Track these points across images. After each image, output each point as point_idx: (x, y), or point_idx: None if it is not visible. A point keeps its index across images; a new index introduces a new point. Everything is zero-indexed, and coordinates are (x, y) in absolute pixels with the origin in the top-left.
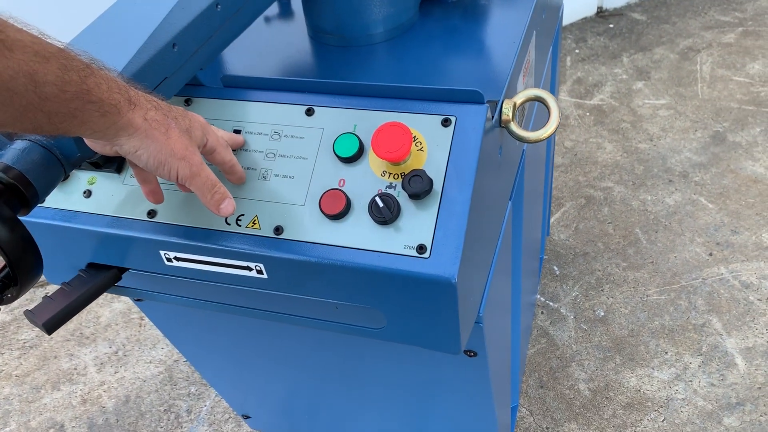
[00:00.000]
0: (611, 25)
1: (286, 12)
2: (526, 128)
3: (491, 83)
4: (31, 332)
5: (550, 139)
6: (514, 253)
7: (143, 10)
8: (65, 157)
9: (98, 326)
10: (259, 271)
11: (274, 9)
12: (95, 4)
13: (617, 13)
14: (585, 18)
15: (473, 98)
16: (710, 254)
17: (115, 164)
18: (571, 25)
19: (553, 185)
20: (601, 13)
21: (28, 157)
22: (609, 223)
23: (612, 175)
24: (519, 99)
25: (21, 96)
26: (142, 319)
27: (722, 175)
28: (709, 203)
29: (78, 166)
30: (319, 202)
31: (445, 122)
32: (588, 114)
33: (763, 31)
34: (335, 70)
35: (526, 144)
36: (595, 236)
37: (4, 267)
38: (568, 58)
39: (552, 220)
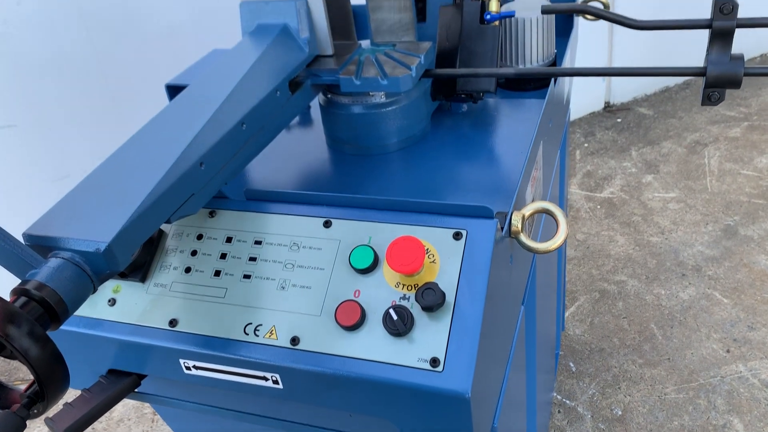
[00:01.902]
0: (619, 120)
1: (305, 121)
2: (536, 235)
3: (501, 194)
4: (45, 428)
5: None
6: (528, 354)
7: (174, 131)
8: (95, 273)
9: (111, 421)
10: (275, 381)
11: (295, 118)
12: None
13: (624, 107)
14: (593, 113)
15: (483, 213)
16: (727, 351)
17: (140, 274)
18: (580, 119)
19: (566, 279)
20: (608, 108)
21: (61, 275)
22: (624, 317)
23: (625, 269)
24: (527, 211)
25: None
26: (155, 415)
27: (736, 270)
28: (724, 298)
29: (106, 280)
30: (335, 314)
31: (457, 236)
32: (599, 207)
33: None
34: (352, 179)
35: None
36: (610, 331)
37: (33, 383)
38: (578, 152)
39: (567, 314)
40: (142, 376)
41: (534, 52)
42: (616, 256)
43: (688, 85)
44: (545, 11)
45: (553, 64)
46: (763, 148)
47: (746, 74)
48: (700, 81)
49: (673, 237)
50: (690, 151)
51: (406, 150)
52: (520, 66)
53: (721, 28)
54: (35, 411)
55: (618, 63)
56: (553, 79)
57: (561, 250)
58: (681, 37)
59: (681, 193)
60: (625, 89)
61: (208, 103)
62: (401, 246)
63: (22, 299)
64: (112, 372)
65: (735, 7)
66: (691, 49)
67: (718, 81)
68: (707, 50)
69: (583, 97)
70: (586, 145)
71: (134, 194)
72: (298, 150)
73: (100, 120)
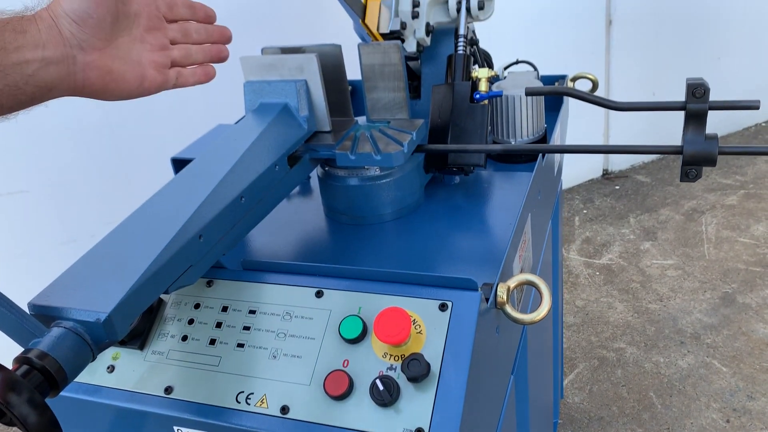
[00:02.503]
0: (617, 187)
1: (305, 191)
2: (527, 303)
3: (488, 266)
4: None
5: (555, 304)
6: (519, 423)
7: (176, 205)
8: (95, 342)
9: None
10: None
11: (294, 189)
12: None
13: (622, 175)
14: (592, 180)
15: (467, 285)
16: (727, 421)
17: (139, 341)
18: (579, 186)
19: (565, 346)
20: (606, 175)
21: (62, 344)
22: (623, 385)
23: (624, 336)
24: (513, 283)
25: None
26: None
27: (734, 338)
28: (723, 366)
29: (105, 349)
30: (324, 383)
31: (442, 307)
32: (598, 273)
33: (764, 193)
34: (346, 248)
35: None
36: (609, 399)
37: None
38: (577, 218)
39: (566, 382)
40: None
41: (524, 128)
42: (615, 323)
43: None
44: (529, 93)
45: (543, 138)
46: (760, 216)
47: (721, 153)
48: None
49: (671, 304)
50: (687, 218)
51: (399, 220)
52: (511, 140)
53: (694, 110)
54: None
55: (616, 128)
56: (541, 157)
57: (557, 317)
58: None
59: (679, 260)
60: (622, 157)
61: (209, 178)
62: (388, 317)
63: (24, 368)
64: None
65: (706, 92)
66: None
67: (694, 159)
68: (683, 130)
69: (581, 165)
70: (585, 211)
71: (134, 266)
72: (297, 219)
73: (110, 187)
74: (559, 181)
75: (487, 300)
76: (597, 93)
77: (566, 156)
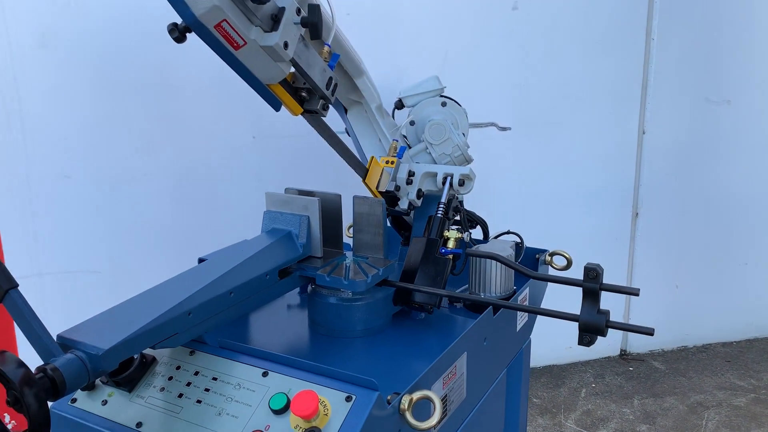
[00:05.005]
0: (631, 368)
1: (304, 305)
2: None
3: (405, 381)
4: None
5: None
6: None
7: (178, 287)
8: (92, 369)
9: None
10: None
11: (296, 299)
12: None
13: (639, 358)
14: (608, 357)
15: (370, 385)
16: None
17: (129, 386)
18: (594, 361)
19: None
20: (624, 356)
21: (70, 365)
22: None
23: None
24: (415, 396)
25: None
26: None
27: None
28: None
29: (99, 377)
30: None
31: (348, 398)
32: None
33: None
34: (312, 352)
35: None
36: None
37: (26, 430)
38: (584, 390)
39: None
40: None
41: (492, 285)
42: None
43: (706, 348)
44: (468, 254)
45: (508, 298)
46: (763, 422)
47: (608, 326)
48: (716, 346)
49: None
50: (691, 410)
51: (364, 339)
52: (481, 294)
53: (588, 288)
54: None
55: (636, 310)
56: (491, 308)
57: None
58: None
59: None
60: (642, 341)
61: (210, 273)
62: (303, 397)
63: (40, 374)
64: None
65: (599, 275)
66: None
67: (587, 328)
68: (581, 303)
69: (600, 342)
70: (593, 385)
71: (133, 323)
72: (284, 323)
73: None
74: (523, 338)
75: (388, 403)
76: (618, 281)
77: None
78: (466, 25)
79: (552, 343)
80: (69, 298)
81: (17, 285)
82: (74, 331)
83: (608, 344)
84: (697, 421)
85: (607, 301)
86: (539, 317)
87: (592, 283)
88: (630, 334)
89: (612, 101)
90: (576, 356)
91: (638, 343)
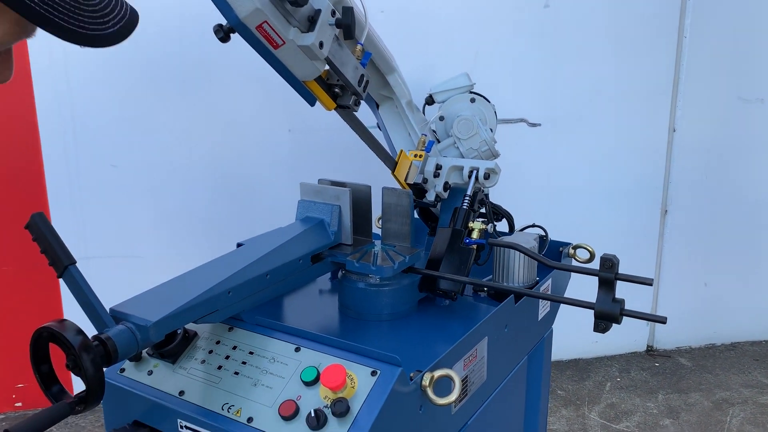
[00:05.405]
0: (657, 364)
1: (335, 290)
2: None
3: (428, 361)
4: None
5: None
6: None
7: (220, 268)
8: (142, 340)
9: None
10: None
11: (327, 285)
12: None
13: (666, 354)
14: (635, 352)
15: (394, 361)
16: None
17: (173, 358)
18: (620, 356)
19: None
20: (650, 352)
21: (121, 335)
22: None
23: None
24: (437, 373)
25: None
26: None
27: None
28: None
29: (146, 348)
30: (279, 407)
31: (373, 372)
32: None
33: None
34: (341, 332)
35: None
36: None
37: (81, 393)
38: (609, 384)
39: None
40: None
41: (516, 275)
42: None
43: (734, 346)
44: (490, 243)
45: (531, 287)
46: None
47: (622, 314)
48: (745, 345)
49: None
50: (716, 406)
51: (392, 321)
52: (504, 284)
53: (604, 277)
54: (79, 409)
55: (664, 305)
56: (513, 296)
57: None
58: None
59: None
60: (669, 338)
61: (249, 256)
62: (332, 371)
63: (96, 342)
64: (136, 423)
65: (614, 265)
66: None
67: (602, 315)
68: (597, 291)
69: (627, 337)
70: (618, 379)
71: (178, 299)
72: (316, 304)
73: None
74: (545, 328)
75: (411, 379)
76: (646, 274)
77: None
78: (498, 22)
79: (578, 336)
80: (113, 282)
81: (75, 261)
82: (125, 305)
83: (634, 340)
84: (722, 417)
85: (635, 299)
86: (565, 313)
87: (608, 273)
88: (657, 330)
89: (642, 99)
90: (602, 351)
91: (665, 340)
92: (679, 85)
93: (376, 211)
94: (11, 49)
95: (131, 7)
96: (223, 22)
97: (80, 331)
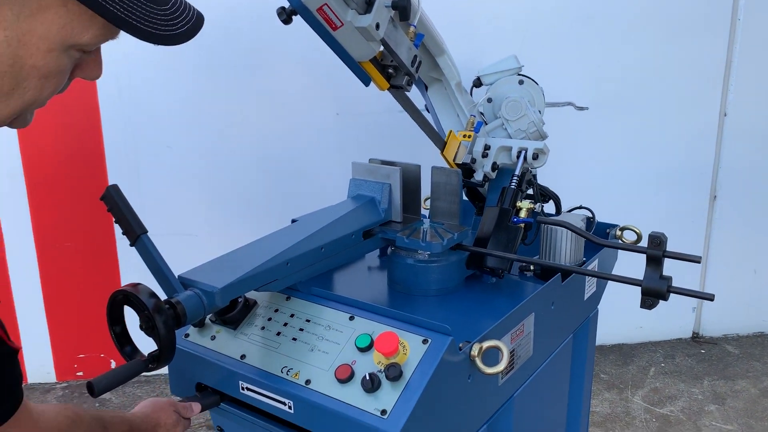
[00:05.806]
0: (703, 351)
1: (384, 266)
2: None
3: (477, 333)
4: None
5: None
6: None
7: (280, 241)
8: (208, 305)
9: None
10: (290, 407)
11: (376, 262)
12: None
13: (712, 341)
14: (680, 339)
15: (444, 331)
16: None
17: (235, 324)
18: (665, 342)
19: None
20: (696, 338)
21: (190, 300)
22: None
23: None
24: (485, 344)
25: None
26: None
27: None
28: None
29: (212, 313)
30: (335, 371)
31: (424, 341)
32: (654, 420)
33: None
34: (391, 303)
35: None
36: None
37: (154, 352)
38: (653, 369)
39: None
40: (224, 397)
41: (563, 255)
42: None
43: None
44: (539, 221)
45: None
46: None
47: (669, 291)
48: None
49: None
50: (763, 394)
51: (440, 296)
52: (550, 262)
53: (652, 255)
54: (151, 366)
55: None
56: (559, 274)
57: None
58: None
59: (739, 428)
60: (716, 325)
61: (306, 230)
62: (385, 337)
63: (167, 305)
64: (199, 386)
65: (662, 242)
66: None
67: (649, 292)
68: (645, 268)
69: (672, 323)
70: (662, 364)
71: (242, 268)
72: (367, 279)
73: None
74: (590, 308)
75: (460, 349)
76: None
77: (656, 311)
78: (546, 6)
79: (622, 321)
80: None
81: (147, 231)
82: (193, 272)
83: (680, 326)
84: None
85: (682, 285)
86: (609, 298)
87: (656, 250)
88: (703, 318)
89: (693, 82)
90: (646, 336)
91: (711, 327)
92: (732, 69)
93: (424, 192)
94: (100, 50)
95: (198, 11)
96: (286, 5)
97: (154, 294)
